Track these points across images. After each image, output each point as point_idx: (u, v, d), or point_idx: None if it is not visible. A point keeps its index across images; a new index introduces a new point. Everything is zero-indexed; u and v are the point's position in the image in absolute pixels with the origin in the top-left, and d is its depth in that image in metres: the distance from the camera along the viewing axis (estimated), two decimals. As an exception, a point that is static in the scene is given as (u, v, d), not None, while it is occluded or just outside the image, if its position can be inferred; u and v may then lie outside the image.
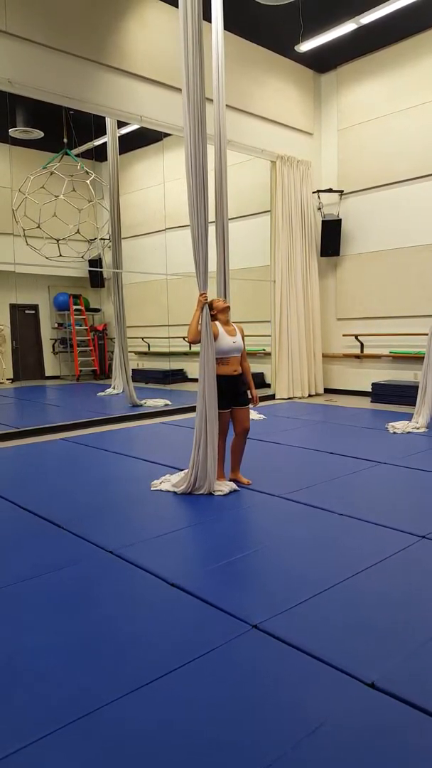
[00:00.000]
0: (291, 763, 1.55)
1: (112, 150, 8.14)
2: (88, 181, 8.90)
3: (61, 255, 8.99)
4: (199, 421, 4.04)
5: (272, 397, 9.00)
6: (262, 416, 7.17)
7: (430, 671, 1.93)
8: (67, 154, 8.90)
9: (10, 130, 8.85)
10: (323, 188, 9.15)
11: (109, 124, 8.03)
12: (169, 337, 10.70)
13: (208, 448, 3.99)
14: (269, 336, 9.09)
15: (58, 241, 8.99)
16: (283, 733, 1.65)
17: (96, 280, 12.34)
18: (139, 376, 10.86)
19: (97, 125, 8.32)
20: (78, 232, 9.00)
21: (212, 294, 4.30)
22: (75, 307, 12.37)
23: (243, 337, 4.23)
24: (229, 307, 4.21)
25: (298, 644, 2.08)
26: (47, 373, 12.45)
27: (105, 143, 8.26)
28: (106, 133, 8.15)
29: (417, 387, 6.37)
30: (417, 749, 1.59)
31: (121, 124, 8.12)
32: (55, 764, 1.57)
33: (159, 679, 1.91)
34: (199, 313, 4.04)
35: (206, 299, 4.07)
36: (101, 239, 10.52)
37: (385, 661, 1.97)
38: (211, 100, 6.45)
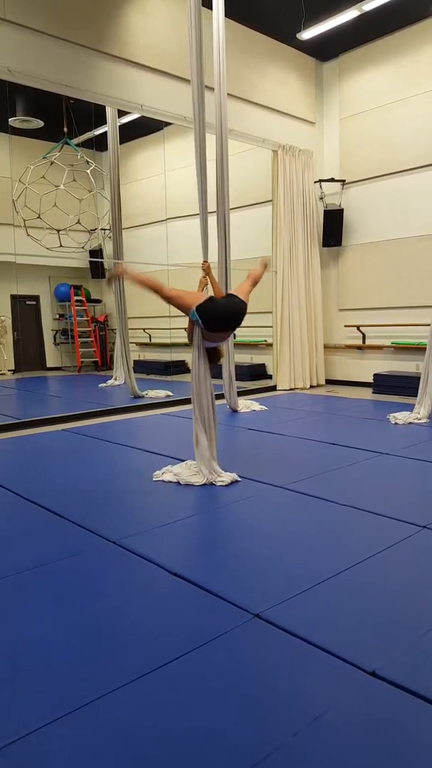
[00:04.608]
0: (292, 751, 1.55)
1: (112, 139, 8.09)
2: (88, 171, 8.85)
3: (61, 245, 8.96)
4: (198, 412, 4.06)
5: (274, 388, 8.99)
6: (263, 407, 7.17)
7: (431, 660, 1.93)
8: (67, 143, 8.85)
9: (9, 119, 8.80)
10: (325, 178, 9.10)
11: (110, 113, 7.97)
12: (170, 329, 10.68)
13: (209, 439, 4.02)
14: (270, 327, 9.07)
15: (58, 231, 8.96)
16: (285, 722, 1.66)
17: (97, 270, 12.31)
18: (141, 367, 10.85)
19: (98, 114, 8.27)
20: (78, 222, 8.97)
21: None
22: (76, 298, 12.35)
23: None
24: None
25: (299, 633, 2.08)
26: (48, 365, 12.45)
27: (105, 133, 8.21)
28: (106, 123, 8.09)
29: (419, 378, 6.35)
30: (418, 738, 1.60)
31: (121, 114, 8.05)
32: (56, 753, 1.57)
33: (160, 668, 1.91)
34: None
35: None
36: (102, 229, 10.48)
37: (386, 650, 1.97)
38: (212, 89, 6.41)
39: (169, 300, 4.00)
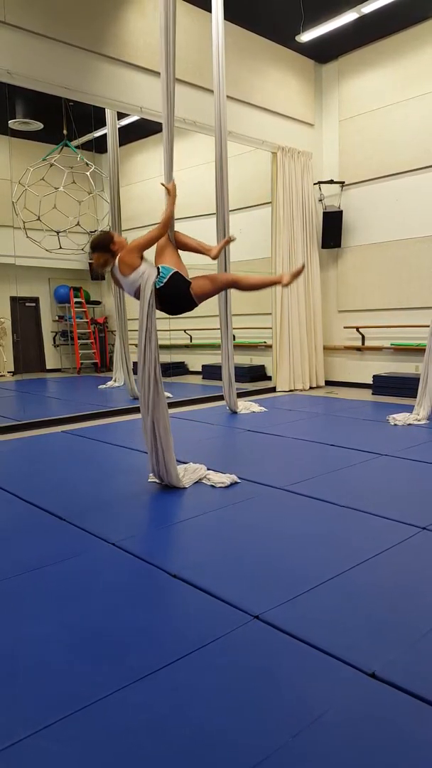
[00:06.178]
0: (292, 752, 1.56)
1: (112, 141, 8.10)
2: (88, 173, 8.86)
3: (61, 247, 8.96)
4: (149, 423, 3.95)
5: (273, 389, 9.00)
6: (263, 408, 7.17)
7: (431, 661, 1.94)
8: (66, 145, 8.86)
9: (9, 121, 8.81)
10: (324, 179, 9.11)
11: (109, 115, 7.98)
12: (169, 330, 10.67)
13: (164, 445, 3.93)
14: (270, 328, 9.07)
15: (58, 233, 8.97)
16: (284, 723, 1.66)
17: (96, 272, 12.29)
18: (140, 368, 10.83)
19: (97, 117, 8.28)
20: (78, 224, 8.97)
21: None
22: (75, 299, 12.34)
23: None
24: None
25: (299, 635, 2.09)
26: (48, 366, 12.44)
27: (105, 135, 8.22)
28: (105, 125, 8.11)
29: (418, 379, 6.36)
30: (418, 739, 1.60)
31: (121, 116, 8.07)
32: (58, 753, 1.57)
33: (161, 669, 1.91)
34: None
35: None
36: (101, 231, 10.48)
37: (385, 652, 1.98)
38: (211, 91, 6.42)
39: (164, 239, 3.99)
